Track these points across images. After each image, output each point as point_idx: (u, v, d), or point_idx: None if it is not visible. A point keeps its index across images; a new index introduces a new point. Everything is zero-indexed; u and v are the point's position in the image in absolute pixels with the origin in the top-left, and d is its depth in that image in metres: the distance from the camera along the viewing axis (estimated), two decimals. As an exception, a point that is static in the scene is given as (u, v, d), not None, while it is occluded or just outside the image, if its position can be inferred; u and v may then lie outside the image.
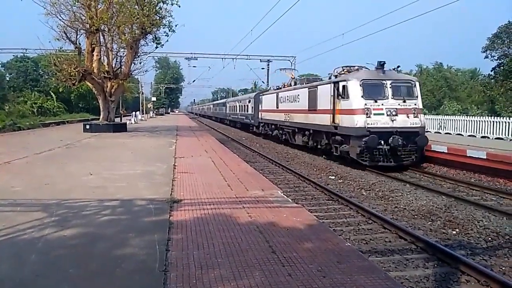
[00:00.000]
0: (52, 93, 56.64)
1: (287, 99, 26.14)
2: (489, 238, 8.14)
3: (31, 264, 4.81)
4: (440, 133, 25.42)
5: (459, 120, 25.17)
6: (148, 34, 27.07)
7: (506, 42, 43.54)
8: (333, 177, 15.02)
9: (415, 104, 16.69)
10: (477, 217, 9.49)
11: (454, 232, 8.55)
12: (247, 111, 40.94)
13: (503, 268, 6.62)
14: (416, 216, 9.77)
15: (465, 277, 6.25)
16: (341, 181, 14.33)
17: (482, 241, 8.01)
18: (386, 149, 16.03)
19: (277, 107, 28.39)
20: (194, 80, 77.17)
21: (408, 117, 16.41)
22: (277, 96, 28.67)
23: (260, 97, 34.99)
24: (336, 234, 6.91)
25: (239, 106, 46.46)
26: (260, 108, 34.46)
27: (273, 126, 30.04)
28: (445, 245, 7.56)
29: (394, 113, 16.25)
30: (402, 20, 25.17)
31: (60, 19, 25.16)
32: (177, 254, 5.14)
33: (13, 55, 66.98)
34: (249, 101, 39.77)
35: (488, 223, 9.09)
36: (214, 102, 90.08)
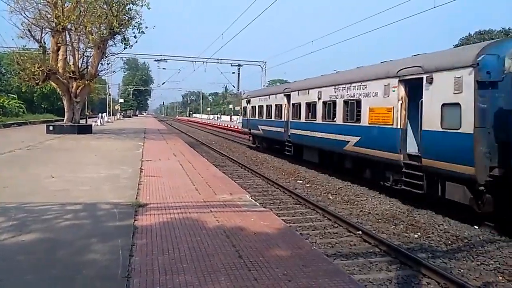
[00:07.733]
0: (10, 94, 54.35)
1: None
2: (449, 242, 8.44)
3: (-15, 271, 4.60)
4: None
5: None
6: (117, 35, 26.54)
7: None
8: (301, 182, 15.16)
9: None
10: (437, 221, 9.81)
11: (416, 236, 8.81)
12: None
13: (462, 271, 6.87)
14: (380, 220, 10.00)
15: (426, 279, 6.45)
16: (309, 185, 14.49)
17: (442, 245, 8.28)
18: None
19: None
20: (164, 83, 76.26)
21: None
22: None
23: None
24: (302, 238, 7.00)
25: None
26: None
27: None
28: (407, 249, 7.78)
29: None
30: (369, 29, 25.81)
31: (24, 17, 24.43)
32: (141, 260, 5.05)
33: (-27, 53, 63.94)
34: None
35: (448, 227, 9.41)
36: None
